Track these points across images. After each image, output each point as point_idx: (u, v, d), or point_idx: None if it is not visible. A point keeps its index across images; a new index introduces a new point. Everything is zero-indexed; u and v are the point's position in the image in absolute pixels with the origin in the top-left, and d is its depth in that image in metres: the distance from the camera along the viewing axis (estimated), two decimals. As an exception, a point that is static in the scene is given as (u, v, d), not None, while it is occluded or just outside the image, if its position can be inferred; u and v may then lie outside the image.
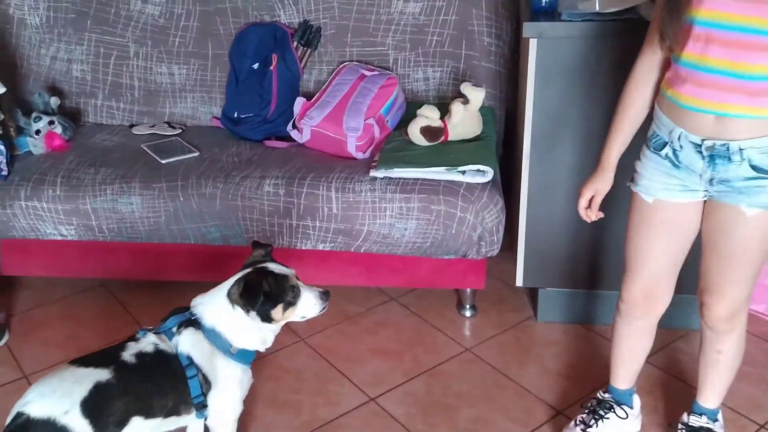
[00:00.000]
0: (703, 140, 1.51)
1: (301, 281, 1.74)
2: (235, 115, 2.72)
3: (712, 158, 1.51)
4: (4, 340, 2.40)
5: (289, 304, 1.69)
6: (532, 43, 2.11)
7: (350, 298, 2.60)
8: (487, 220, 2.26)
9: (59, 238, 2.44)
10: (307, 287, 1.73)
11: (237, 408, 1.75)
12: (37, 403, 1.47)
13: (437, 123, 2.43)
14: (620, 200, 1.80)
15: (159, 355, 1.63)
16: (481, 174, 2.29)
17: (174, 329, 1.67)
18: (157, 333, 1.66)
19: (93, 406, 1.48)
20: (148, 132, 2.76)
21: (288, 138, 2.64)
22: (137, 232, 2.40)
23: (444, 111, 2.45)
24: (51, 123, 2.62)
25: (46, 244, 2.49)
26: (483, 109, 2.57)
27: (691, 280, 1.76)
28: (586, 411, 1.94)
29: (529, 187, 2.26)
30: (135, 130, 2.79)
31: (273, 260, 1.76)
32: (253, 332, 1.70)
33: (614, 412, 1.92)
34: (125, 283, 2.68)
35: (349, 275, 2.50)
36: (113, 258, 2.55)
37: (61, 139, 2.61)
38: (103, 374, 1.53)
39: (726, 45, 1.42)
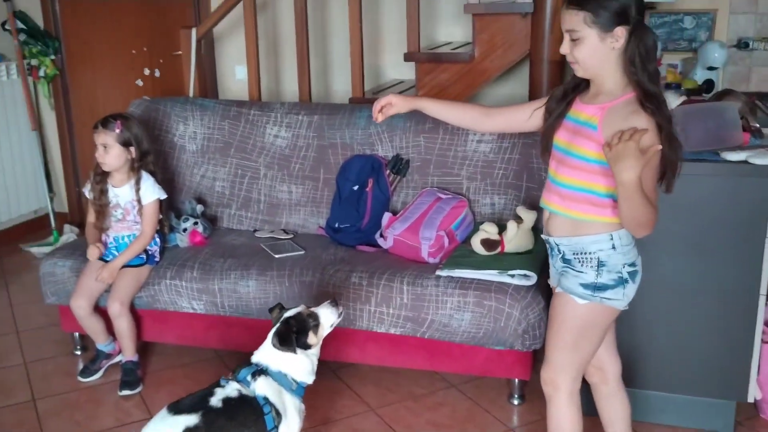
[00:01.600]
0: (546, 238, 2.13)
1: (310, 307, 2.24)
2: (336, 225, 3.38)
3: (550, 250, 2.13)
4: (139, 389, 3.02)
5: (315, 326, 2.20)
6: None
7: (416, 381, 3.06)
8: (531, 316, 2.71)
9: (191, 311, 3.10)
10: (318, 307, 2.24)
11: None
12: None
13: (495, 236, 2.97)
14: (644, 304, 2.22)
15: (242, 398, 2.08)
16: (527, 278, 2.78)
17: (249, 377, 2.13)
18: (237, 381, 2.12)
19: None
20: (267, 235, 3.46)
21: (376, 245, 3.25)
22: (250, 309, 3.02)
23: (503, 229, 3.00)
24: (195, 224, 3.37)
25: (180, 317, 3.15)
26: (537, 230, 3.10)
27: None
28: None
29: (567, 291, 2.71)
30: (257, 234, 3.50)
31: (286, 310, 2.25)
32: (306, 363, 2.20)
33: None
34: (238, 355, 3.27)
35: (415, 360, 2.97)
36: (230, 332, 3.16)
37: (201, 236, 3.35)
38: (191, 419, 1.99)
39: (555, 160, 2.06)
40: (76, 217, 5.08)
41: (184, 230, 3.35)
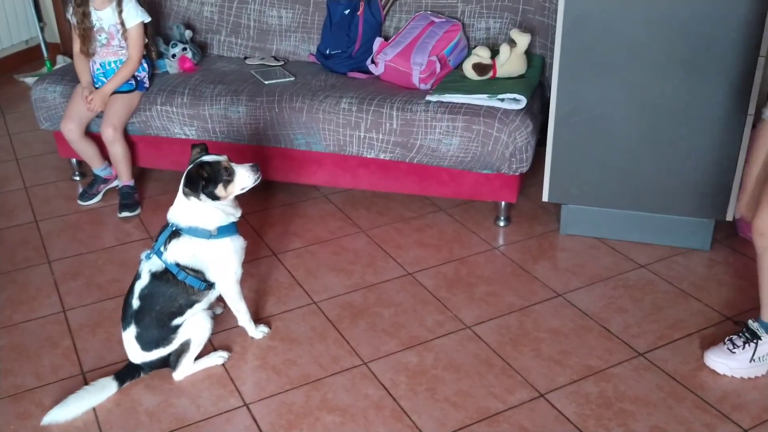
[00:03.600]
0: None
1: (234, 162, 2.11)
2: (327, 51, 3.31)
3: None
4: (138, 211, 3.12)
5: (227, 181, 2.08)
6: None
7: (406, 205, 3.14)
8: (519, 140, 2.73)
9: (183, 137, 3.12)
10: (239, 165, 2.11)
11: (237, 272, 2.19)
12: None
13: (487, 61, 2.91)
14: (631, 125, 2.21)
15: (154, 276, 2.08)
16: (516, 102, 2.76)
17: (162, 247, 2.09)
18: (155, 253, 2.10)
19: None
20: (257, 63, 3.41)
21: (367, 71, 3.20)
22: (241, 135, 3.05)
23: (496, 54, 2.93)
24: (184, 49, 3.31)
25: (173, 143, 3.18)
26: (533, 56, 3.04)
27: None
28: (736, 335, 2.16)
29: (557, 114, 2.70)
30: (248, 61, 3.44)
31: (208, 154, 2.14)
32: (215, 212, 2.10)
33: (759, 341, 2.12)
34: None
35: (405, 184, 3.03)
36: (222, 158, 3.21)
37: (191, 62, 3.30)
38: (136, 305, 2.08)
39: None
40: (68, 47, 4.95)
41: (173, 56, 3.30)
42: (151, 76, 3.19)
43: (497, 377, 2.15)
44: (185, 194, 2.10)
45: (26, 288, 2.62)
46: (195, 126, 3.08)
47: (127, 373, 2.13)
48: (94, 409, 2.05)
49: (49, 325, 2.42)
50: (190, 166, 2.10)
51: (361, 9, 3.26)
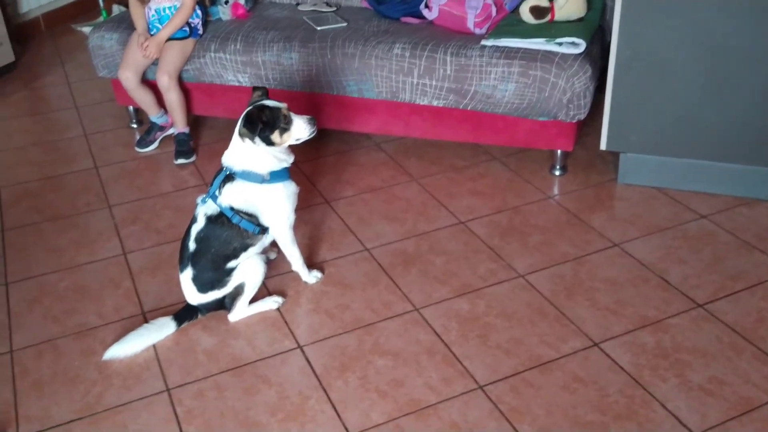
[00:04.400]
0: None
1: (293, 112, 2.11)
2: (380, -4, 3.25)
3: None
4: (193, 158, 3.17)
5: (284, 129, 2.08)
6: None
7: (459, 154, 3.10)
8: (577, 86, 2.64)
9: (236, 84, 3.13)
10: (297, 116, 2.11)
11: (290, 217, 2.21)
12: None
13: (545, 3, 2.81)
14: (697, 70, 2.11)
15: (210, 220, 2.11)
16: (575, 46, 2.66)
17: (217, 191, 2.12)
18: (210, 197, 2.13)
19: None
20: (310, 8, 3.37)
21: (421, 16, 3.13)
22: (294, 82, 3.04)
23: (555, -5, 2.83)
24: (236, -4, 3.30)
25: (227, 90, 3.20)
26: (594, -1, 2.92)
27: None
28: None
29: (617, 59, 2.60)
30: (300, 7, 3.40)
31: (268, 98, 2.15)
32: (268, 157, 2.11)
33: None
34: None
35: (458, 132, 2.98)
36: (275, 105, 3.21)
37: (244, 9, 3.29)
38: (193, 248, 2.12)
39: None
40: (122, -3, 5.03)
41: (226, 2, 3.28)
42: (205, 23, 3.19)
43: (550, 326, 2.13)
44: (241, 135, 2.11)
45: (88, 231, 2.71)
46: (248, 73, 3.07)
47: (185, 314, 2.19)
48: (154, 347, 2.12)
49: (110, 267, 2.50)
50: (250, 107, 2.11)
51: (415, -49, 3.17)
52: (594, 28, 2.85)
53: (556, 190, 2.84)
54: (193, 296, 2.18)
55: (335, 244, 2.57)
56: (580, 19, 2.85)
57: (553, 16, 2.83)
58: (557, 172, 2.93)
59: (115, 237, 2.67)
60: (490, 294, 2.27)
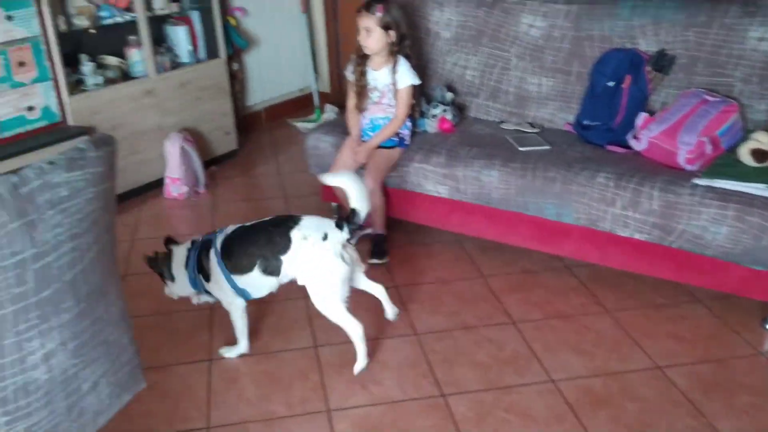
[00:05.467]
0: None
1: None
2: (586, 122, 3.26)
3: None
4: (386, 260, 3.28)
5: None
6: None
7: (657, 289, 2.96)
8: (801, 238, 2.45)
9: (435, 194, 3.25)
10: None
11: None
12: None
13: (767, 147, 2.68)
14: None
15: None
16: (802, 196, 2.49)
17: None
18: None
19: None
20: (513, 128, 3.46)
21: (627, 146, 3.10)
22: (490, 199, 3.09)
23: (779, 139, 2.69)
24: (444, 111, 3.46)
25: (425, 199, 3.32)
26: (823, 143, 2.73)
27: None
28: None
29: None
30: (503, 125, 3.50)
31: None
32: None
33: None
34: (476, 241, 3.40)
35: (659, 268, 2.85)
36: (470, 218, 3.27)
37: (450, 123, 3.44)
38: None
39: None
40: (336, 97, 5.46)
41: (434, 116, 3.46)
42: (412, 134, 3.37)
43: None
44: None
45: (283, 318, 2.87)
46: (447, 185, 3.18)
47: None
48: None
49: (301, 359, 2.62)
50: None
51: (627, 82, 3.18)
52: (824, 177, 2.65)
53: None
54: None
55: (519, 369, 2.51)
56: (807, 166, 2.67)
57: (776, 160, 2.68)
58: (769, 326, 2.70)
59: (308, 327, 2.80)
60: (688, 454, 2.10)
